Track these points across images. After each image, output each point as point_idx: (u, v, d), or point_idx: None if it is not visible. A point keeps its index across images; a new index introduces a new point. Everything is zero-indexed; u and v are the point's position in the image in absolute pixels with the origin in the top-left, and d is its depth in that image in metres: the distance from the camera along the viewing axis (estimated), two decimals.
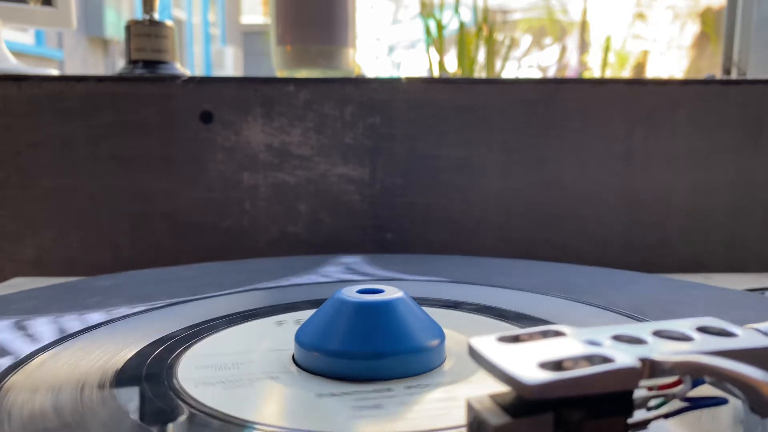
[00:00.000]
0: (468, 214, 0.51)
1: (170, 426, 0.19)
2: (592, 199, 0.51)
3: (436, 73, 1.89)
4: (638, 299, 0.32)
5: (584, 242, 0.51)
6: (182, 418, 0.19)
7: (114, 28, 4.05)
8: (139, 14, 0.55)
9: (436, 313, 0.28)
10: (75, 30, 0.81)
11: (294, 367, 0.23)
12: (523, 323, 0.28)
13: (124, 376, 0.23)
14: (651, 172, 0.50)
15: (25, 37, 3.32)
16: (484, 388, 0.15)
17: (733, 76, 0.77)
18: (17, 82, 0.48)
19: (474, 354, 0.14)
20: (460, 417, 0.17)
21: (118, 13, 4.12)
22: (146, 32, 0.53)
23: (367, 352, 0.22)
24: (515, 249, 0.51)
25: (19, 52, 0.93)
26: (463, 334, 0.26)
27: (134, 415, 0.19)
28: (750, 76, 0.75)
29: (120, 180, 0.49)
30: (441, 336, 0.23)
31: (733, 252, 0.51)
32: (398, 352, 0.22)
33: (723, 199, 0.51)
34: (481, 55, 1.88)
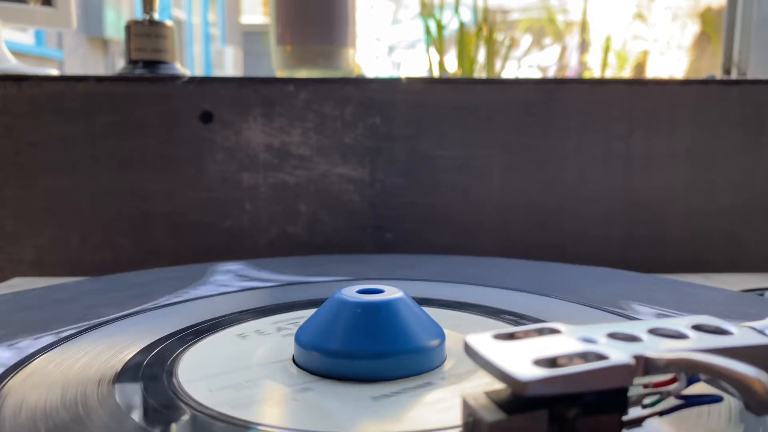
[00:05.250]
0: (468, 214, 0.51)
1: (170, 426, 0.19)
2: (592, 199, 0.51)
3: (436, 73, 1.89)
4: (636, 299, 0.33)
5: (584, 242, 0.51)
6: (182, 418, 0.20)
7: (114, 28, 4.05)
8: (139, 14, 0.55)
9: (436, 313, 0.28)
10: (75, 30, 0.81)
11: (294, 367, 0.23)
12: (523, 323, 0.28)
13: (124, 377, 0.23)
14: (651, 172, 0.50)
15: (25, 37, 3.32)
16: (484, 388, 0.15)
17: (733, 76, 0.77)
18: (17, 82, 0.49)
19: (470, 351, 0.15)
20: (460, 417, 0.17)
21: (118, 13, 4.12)
22: (146, 32, 0.53)
23: (366, 352, 0.22)
24: (515, 249, 0.51)
25: (19, 52, 0.93)
26: (463, 334, 0.26)
27: (134, 416, 0.20)
28: (750, 76, 0.75)
29: (120, 180, 0.50)
30: (441, 336, 0.24)
31: (733, 252, 0.51)
32: (398, 352, 0.22)
33: (723, 199, 0.51)
34: (481, 55, 1.88)
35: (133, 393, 0.21)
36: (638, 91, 0.50)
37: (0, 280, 0.49)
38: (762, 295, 0.39)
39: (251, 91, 0.49)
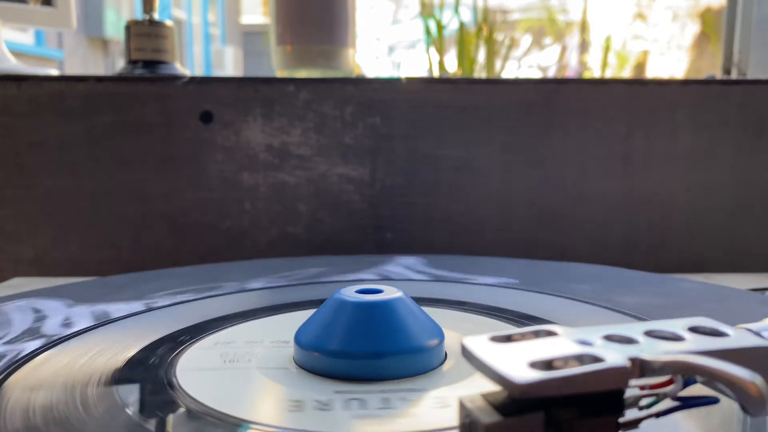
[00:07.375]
0: (468, 214, 0.51)
1: (170, 425, 0.19)
2: (592, 199, 0.51)
3: (436, 73, 1.89)
4: (636, 298, 0.33)
5: (584, 242, 0.51)
6: (182, 417, 0.20)
7: (114, 28, 4.05)
8: (139, 14, 0.55)
9: (436, 313, 0.28)
10: (75, 30, 0.81)
11: (294, 367, 0.23)
12: (523, 323, 0.28)
13: (124, 375, 0.23)
14: (651, 172, 0.50)
15: (25, 37, 3.32)
16: (483, 388, 0.15)
17: (733, 76, 0.77)
18: (17, 82, 0.49)
19: (466, 353, 0.15)
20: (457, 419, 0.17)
21: (118, 13, 4.12)
22: (146, 32, 0.53)
23: (366, 352, 0.22)
24: (515, 249, 0.51)
25: (19, 52, 0.93)
26: (463, 335, 0.26)
27: (134, 414, 0.20)
28: (750, 76, 0.75)
29: (120, 180, 0.50)
30: (440, 336, 0.24)
31: (733, 252, 0.51)
32: (398, 352, 0.22)
33: (723, 199, 0.51)
34: (481, 55, 1.88)
35: (132, 391, 0.21)
36: (638, 91, 0.50)
37: (0, 280, 0.49)
38: (763, 293, 0.39)
39: (251, 91, 0.49)
